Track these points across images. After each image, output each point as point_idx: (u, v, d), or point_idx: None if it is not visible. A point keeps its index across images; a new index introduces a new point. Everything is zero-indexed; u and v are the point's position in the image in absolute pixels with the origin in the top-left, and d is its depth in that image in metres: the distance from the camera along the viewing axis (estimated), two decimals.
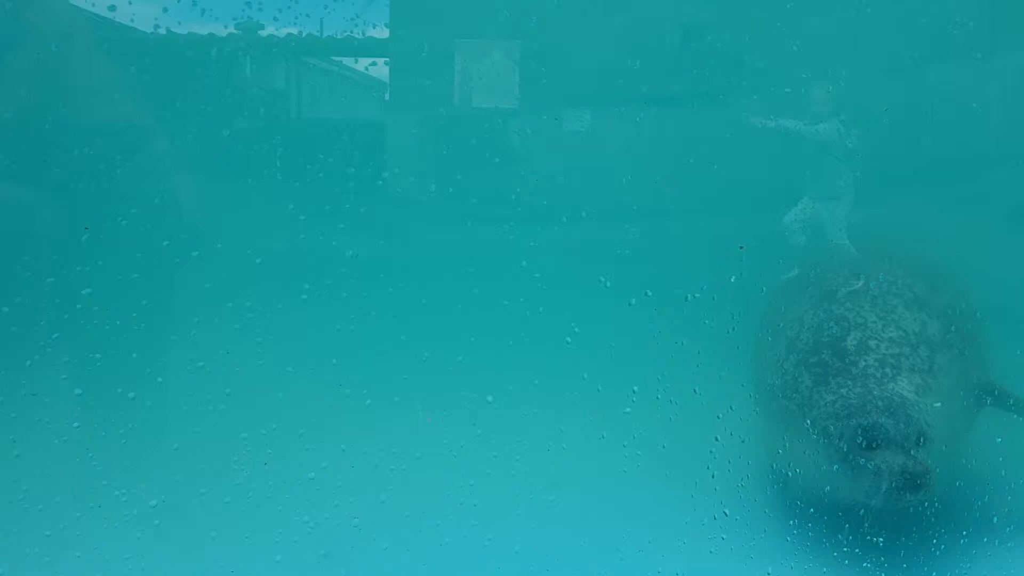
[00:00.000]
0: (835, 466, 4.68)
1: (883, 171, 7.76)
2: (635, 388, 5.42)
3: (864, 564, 4.50)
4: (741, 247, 5.47)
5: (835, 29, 7.92)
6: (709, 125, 8.13)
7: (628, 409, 5.40)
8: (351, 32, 7.60)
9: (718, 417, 4.56)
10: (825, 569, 4.46)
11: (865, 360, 5.10)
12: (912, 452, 4.52)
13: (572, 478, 5.62)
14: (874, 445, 4.55)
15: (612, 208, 7.62)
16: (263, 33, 7.39)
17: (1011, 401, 5.42)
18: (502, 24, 8.16)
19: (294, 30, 7.39)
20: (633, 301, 5.82)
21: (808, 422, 4.93)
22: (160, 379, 6.05)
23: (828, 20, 8.03)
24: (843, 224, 7.83)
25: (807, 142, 7.98)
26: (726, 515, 4.51)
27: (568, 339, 6.34)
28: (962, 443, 5.28)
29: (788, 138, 7.96)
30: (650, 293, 5.70)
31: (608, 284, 6.31)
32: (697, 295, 5.19)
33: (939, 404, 4.99)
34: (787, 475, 5.18)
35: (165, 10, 6.45)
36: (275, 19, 7.19)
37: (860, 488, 4.55)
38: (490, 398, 6.42)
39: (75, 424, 5.49)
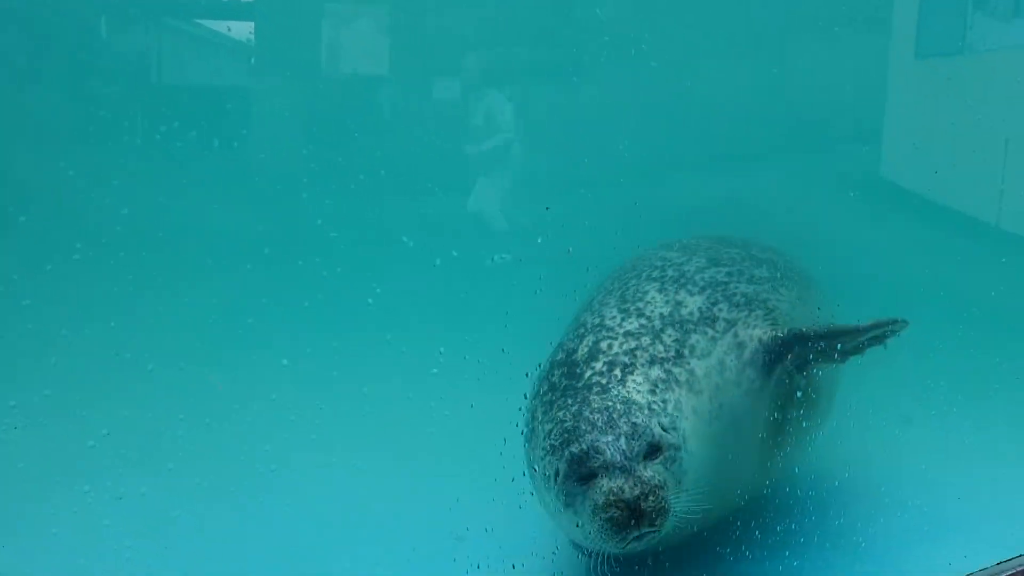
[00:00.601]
0: (564, 518, 3.87)
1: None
2: (442, 349, 5.38)
3: None
4: (547, 208, 5.56)
5: None
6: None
7: (435, 370, 5.36)
8: None
9: (526, 375, 4.57)
10: (633, 520, 4.59)
11: (592, 368, 4.12)
12: (637, 471, 3.65)
13: (378, 440, 5.53)
14: (586, 475, 3.68)
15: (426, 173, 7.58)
16: None
17: (812, 336, 4.35)
18: None
19: None
20: (438, 261, 5.79)
21: (535, 468, 4.05)
22: None
23: None
24: (490, 194, 7.87)
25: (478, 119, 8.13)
26: (535, 471, 4.55)
27: (370, 300, 6.22)
28: (778, 423, 4.56)
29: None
30: (456, 254, 5.68)
31: (411, 244, 6.26)
32: (505, 256, 5.22)
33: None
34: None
35: None
36: None
37: (588, 534, 3.68)
38: (285, 361, 6.20)
39: None
